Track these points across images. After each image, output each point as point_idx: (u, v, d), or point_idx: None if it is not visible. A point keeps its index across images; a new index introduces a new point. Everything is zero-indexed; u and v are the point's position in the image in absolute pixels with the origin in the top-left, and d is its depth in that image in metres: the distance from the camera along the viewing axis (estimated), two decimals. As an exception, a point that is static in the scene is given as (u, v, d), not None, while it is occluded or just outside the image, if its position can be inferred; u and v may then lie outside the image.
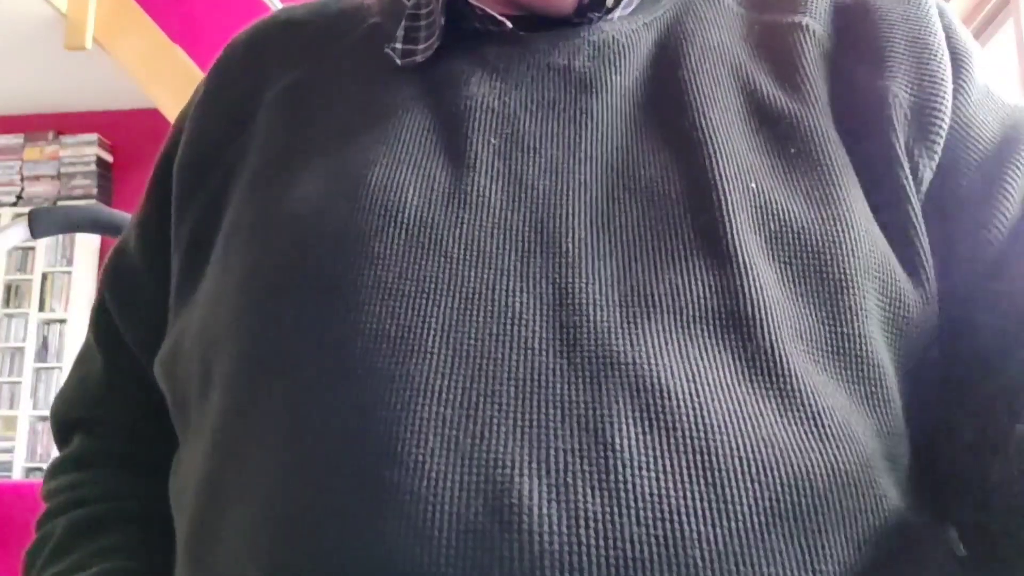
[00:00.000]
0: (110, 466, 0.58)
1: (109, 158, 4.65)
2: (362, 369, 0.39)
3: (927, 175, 0.46)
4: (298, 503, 0.37)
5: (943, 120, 0.47)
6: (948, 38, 0.51)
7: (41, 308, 4.45)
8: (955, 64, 0.50)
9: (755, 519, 0.35)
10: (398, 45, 0.52)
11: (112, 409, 0.59)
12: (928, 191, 0.46)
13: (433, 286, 0.41)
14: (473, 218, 0.43)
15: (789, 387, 0.39)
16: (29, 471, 4.22)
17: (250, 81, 0.55)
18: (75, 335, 4.42)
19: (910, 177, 0.46)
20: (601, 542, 0.34)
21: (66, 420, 0.61)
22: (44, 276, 4.48)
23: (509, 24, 0.51)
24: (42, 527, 0.56)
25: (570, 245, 0.42)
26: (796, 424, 0.38)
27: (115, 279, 0.59)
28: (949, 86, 0.49)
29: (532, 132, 0.47)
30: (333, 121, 0.50)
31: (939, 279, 0.45)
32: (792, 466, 0.37)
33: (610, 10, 0.52)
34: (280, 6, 2.88)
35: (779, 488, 0.36)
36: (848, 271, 0.42)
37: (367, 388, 0.38)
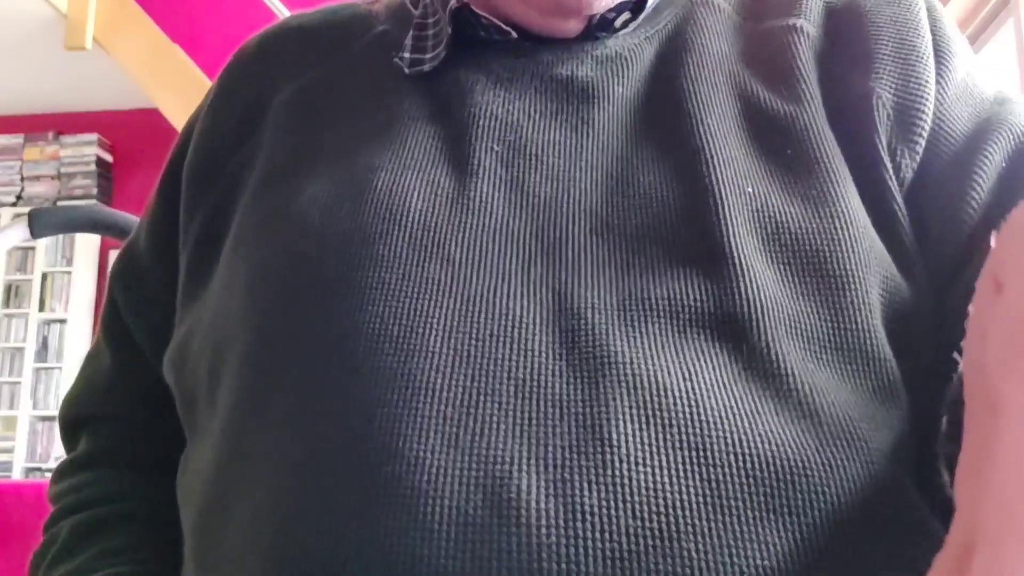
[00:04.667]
0: (116, 466, 0.58)
1: (109, 158, 4.65)
2: (365, 368, 0.40)
3: (908, 175, 0.48)
4: (301, 497, 0.38)
5: (925, 121, 0.49)
6: (934, 37, 0.52)
7: (41, 308, 4.45)
8: (937, 61, 0.51)
9: (749, 513, 0.36)
10: (406, 54, 0.53)
11: (119, 407, 0.59)
12: (909, 187, 0.48)
13: (436, 288, 0.42)
14: (476, 223, 0.44)
15: (786, 385, 0.39)
16: (29, 471, 4.22)
17: (260, 86, 0.56)
18: (75, 335, 4.42)
19: (893, 176, 0.47)
20: (598, 535, 0.35)
21: (74, 418, 0.61)
22: (44, 276, 4.48)
23: (514, 34, 0.52)
24: (48, 530, 0.56)
25: (570, 253, 0.43)
26: (793, 422, 0.38)
27: (125, 279, 0.60)
28: (932, 88, 0.50)
29: (534, 140, 0.48)
30: (340, 126, 0.51)
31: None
32: (787, 461, 0.37)
33: (617, 29, 0.53)
34: (280, 6, 2.88)
35: (773, 483, 0.36)
36: (849, 267, 0.43)
37: (370, 386, 0.39)
